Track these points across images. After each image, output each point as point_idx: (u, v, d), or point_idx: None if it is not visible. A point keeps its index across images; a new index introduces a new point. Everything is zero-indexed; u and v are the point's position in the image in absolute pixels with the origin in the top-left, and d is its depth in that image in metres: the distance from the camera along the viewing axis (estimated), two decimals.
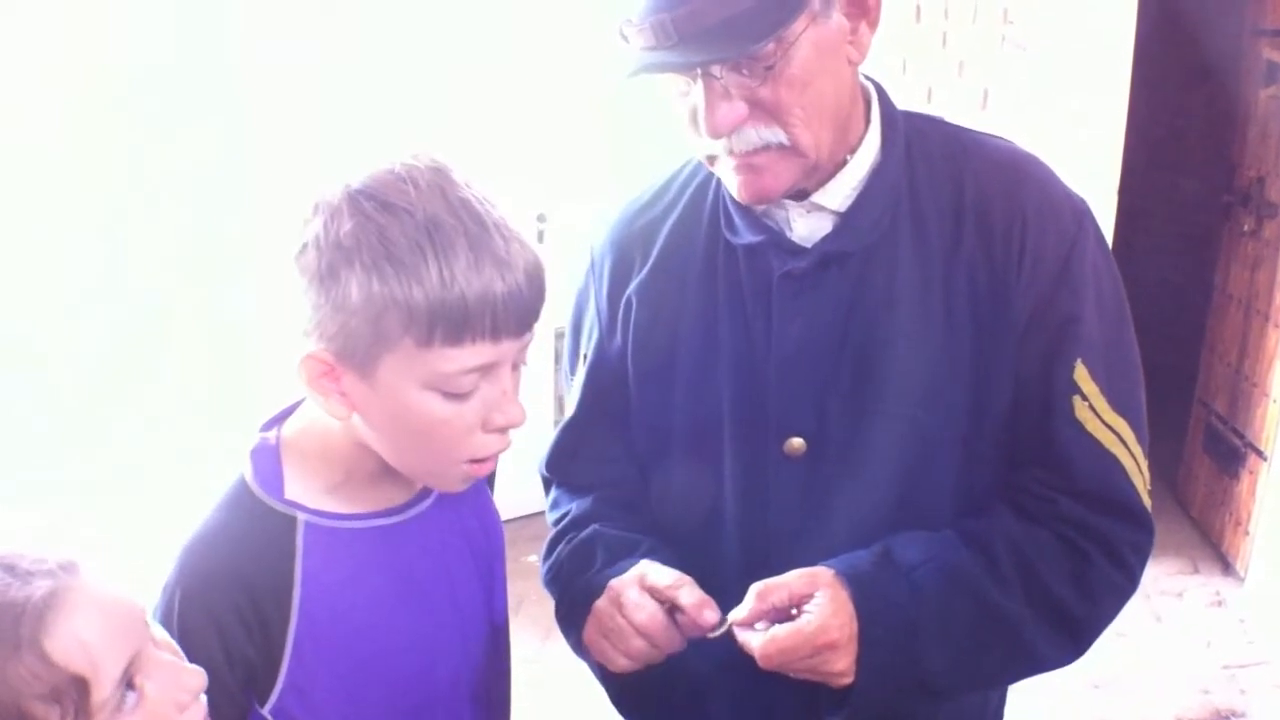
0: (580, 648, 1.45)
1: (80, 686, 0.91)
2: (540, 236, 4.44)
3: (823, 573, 1.30)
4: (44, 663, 0.89)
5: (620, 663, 1.33)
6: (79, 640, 0.91)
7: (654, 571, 1.34)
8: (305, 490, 1.23)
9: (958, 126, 1.46)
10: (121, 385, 3.49)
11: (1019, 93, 3.90)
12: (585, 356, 1.55)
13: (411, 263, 1.07)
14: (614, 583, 1.35)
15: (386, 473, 1.25)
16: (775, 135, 1.29)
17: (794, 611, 1.28)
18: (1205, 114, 5.95)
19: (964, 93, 3.92)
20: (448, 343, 1.10)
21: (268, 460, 1.24)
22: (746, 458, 1.42)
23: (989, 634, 1.34)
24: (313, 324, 1.12)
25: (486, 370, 1.14)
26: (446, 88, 4.05)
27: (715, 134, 1.28)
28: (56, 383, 3.37)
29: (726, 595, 1.32)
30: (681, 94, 1.31)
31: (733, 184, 1.35)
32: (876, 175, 1.38)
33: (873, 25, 1.31)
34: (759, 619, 1.27)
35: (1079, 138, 3.84)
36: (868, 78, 1.42)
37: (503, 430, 1.20)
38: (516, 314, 1.13)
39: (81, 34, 3.27)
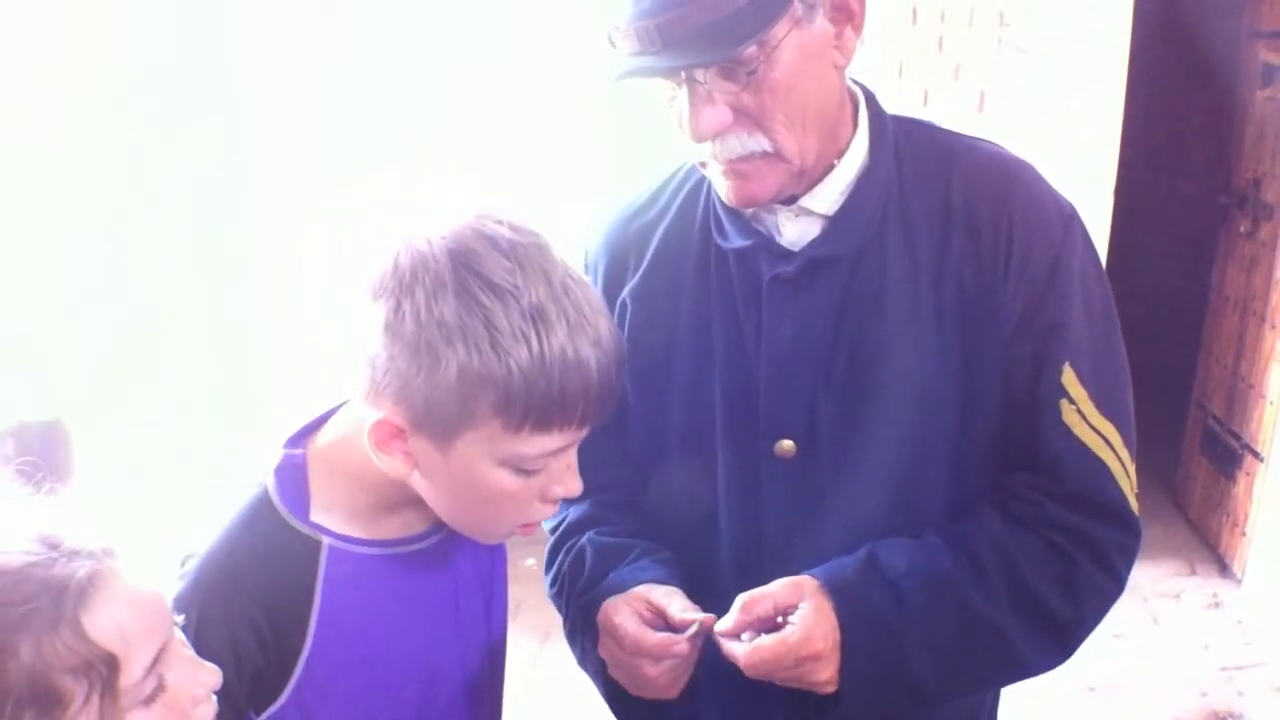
0: (585, 662, 1.47)
1: (111, 665, 0.92)
2: None
3: (807, 582, 1.31)
4: (80, 639, 0.90)
5: (664, 692, 1.35)
6: (116, 622, 0.93)
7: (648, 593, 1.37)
8: (331, 513, 1.23)
9: (947, 130, 1.47)
10: (121, 385, 3.49)
11: (1016, 95, 3.90)
12: None
13: (514, 350, 1.07)
14: (602, 620, 1.36)
15: (412, 500, 1.24)
16: (759, 143, 1.30)
17: (779, 619, 1.29)
18: (1202, 116, 5.95)
19: (960, 95, 3.92)
20: (537, 430, 1.11)
21: (294, 479, 1.23)
22: (739, 460, 1.43)
23: (975, 642, 1.35)
24: (394, 388, 1.10)
25: (559, 452, 1.17)
26: (446, 88, 4.05)
27: (699, 138, 1.29)
28: (56, 383, 3.37)
29: (720, 597, 1.33)
30: (669, 99, 1.32)
31: (722, 188, 1.36)
32: (864, 179, 1.38)
33: (857, 29, 1.32)
34: (744, 630, 1.28)
35: (1076, 140, 3.84)
36: (855, 81, 1.43)
37: (557, 501, 1.23)
38: (604, 402, 1.16)
39: (81, 34, 3.28)
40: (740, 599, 1.29)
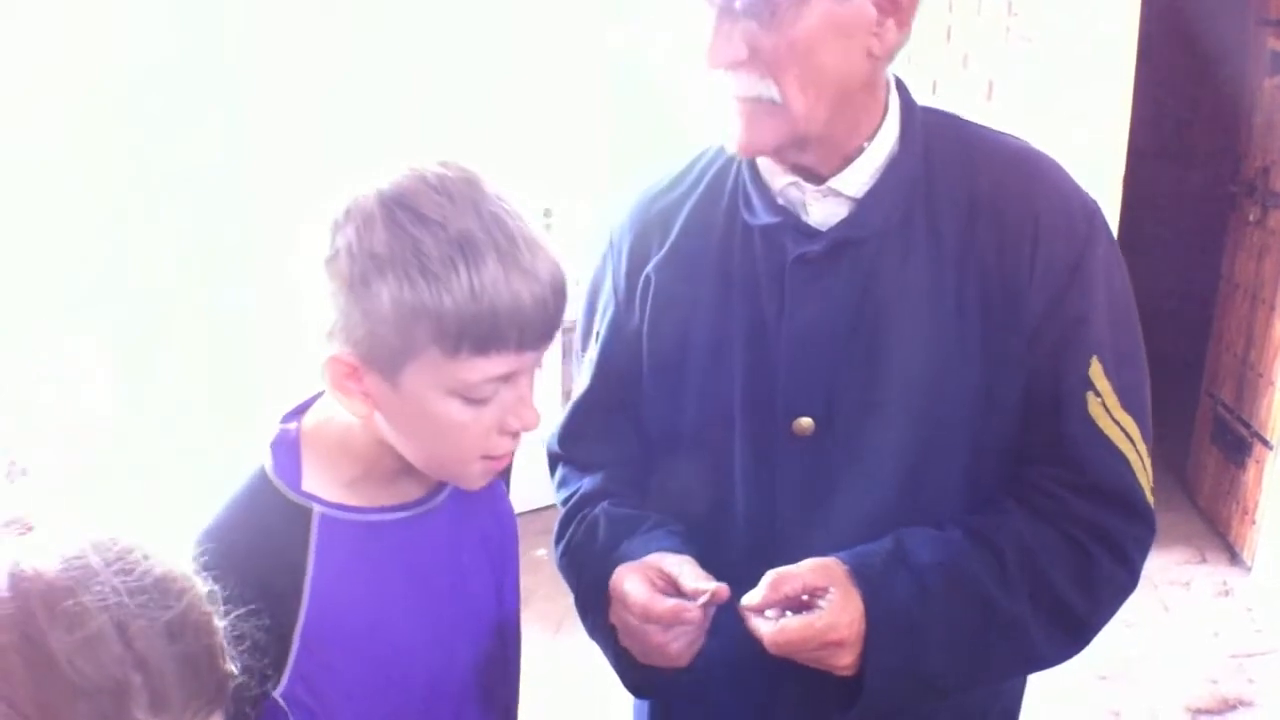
0: (596, 632, 1.47)
1: None
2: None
3: (836, 567, 1.32)
4: None
5: (675, 659, 1.34)
6: None
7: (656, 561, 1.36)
8: (323, 483, 1.25)
9: (974, 124, 1.48)
10: (121, 385, 3.49)
11: (1024, 85, 3.89)
12: (598, 334, 1.56)
13: (443, 275, 1.09)
14: (613, 586, 1.37)
15: (405, 469, 1.27)
16: (768, 89, 1.30)
17: (804, 597, 1.30)
18: (1210, 105, 5.94)
19: (969, 85, 3.92)
20: (474, 353, 1.13)
21: (287, 452, 1.25)
22: (756, 437, 1.43)
23: (994, 637, 1.36)
24: (339, 327, 1.13)
25: (507, 377, 1.17)
26: (449, 85, 4.05)
27: (710, 64, 1.30)
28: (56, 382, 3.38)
29: (734, 573, 1.34)
30: (700, 24, 1.33)
31: (731, 130, 1.37)
32: (893, 166, 1.39)
33: (901, 25, 1.32)
34: (770, 606, 1.29)
35: (1084, 129, 3.84)
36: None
37: (517, 434, 1.23)
38: (541, 326, 1.16)
39: (82, 34, 3.27)
40: (770, 576, 1.30)
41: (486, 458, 1.24)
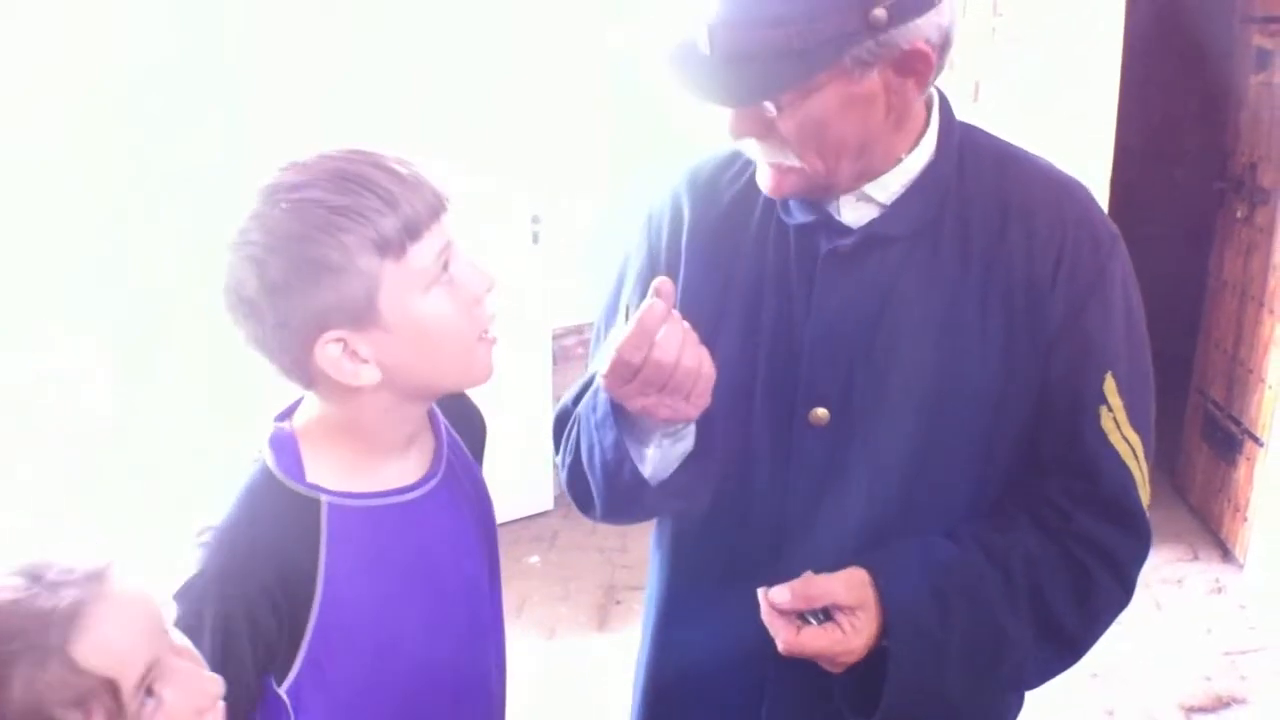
0: (615, 469, 1.42)
1: (111, 689, 0.92)
2: (535, 238, 4.42)
3: (866, 589, 1.37)
4: (72, 670, 0.90)
5: (697, 377, 1.31)
6: (106, 646, 0.92)
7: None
8: (325, 473, 1.28)
9: (1012, 144, 1.52)
10: (121, 385, 3.49)
11: (1010, 85, 3.91)
12: (628, 309, 1.58)
13: (355, 205, 1.16)
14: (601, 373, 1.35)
15: (396, 450, 1.31)
16: (788, 159, 1.35)
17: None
18: (1197, 102, 5.96)
19: (955, 86, 3.92)
20: (413, 241, 1.19)
21: (287, 446, 1.28)
22: (774, 423, 1.47)
23: (999, 661, 1.42)
24: (310, 321, 1.18)
25: (446, 250, 1.23)
26: (449, 85, 4.05)
27: (733, 136, 1.36)
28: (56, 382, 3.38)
29: (745, 550, 1.41)
30: None
31: (760, 176, 1.42)
32: (926, 174, 1.43)
33: (920, 85, 1.34)
34: (795, 609, 1.35)
35: (1071, 128, 3.85)
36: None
37: (483, 299, 1.29)
38: (437, 193, 1.23)
39: (83, 34, 3.28)
40: (803, 582, 1.35)
41: (481, 338, 1.29)
